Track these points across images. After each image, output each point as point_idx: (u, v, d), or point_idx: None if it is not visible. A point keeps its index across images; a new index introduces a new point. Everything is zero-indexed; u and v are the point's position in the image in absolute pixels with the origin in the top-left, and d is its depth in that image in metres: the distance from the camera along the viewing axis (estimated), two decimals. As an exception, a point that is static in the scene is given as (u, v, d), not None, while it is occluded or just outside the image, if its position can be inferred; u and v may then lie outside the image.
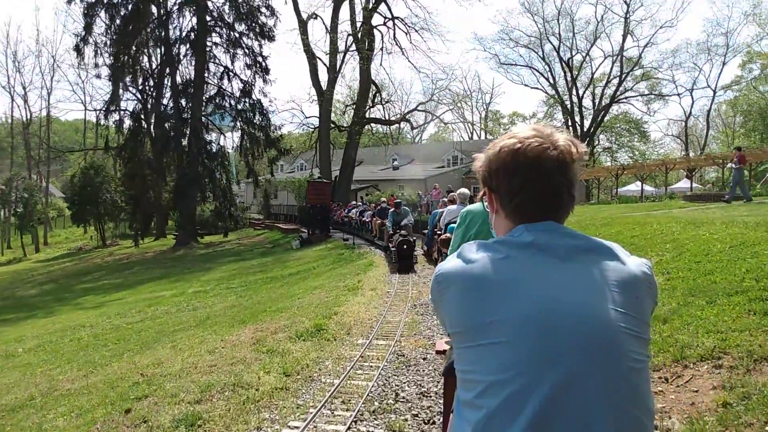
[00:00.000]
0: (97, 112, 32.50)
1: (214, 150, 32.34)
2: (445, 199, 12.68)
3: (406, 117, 45.67)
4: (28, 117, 51.93)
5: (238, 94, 31.71)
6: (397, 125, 64.81)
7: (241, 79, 32.03)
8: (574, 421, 1.10)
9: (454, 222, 4.55)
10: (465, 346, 1.23)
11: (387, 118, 45.86)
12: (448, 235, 7.73)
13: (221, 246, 30.62)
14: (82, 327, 12.18)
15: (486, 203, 1.45)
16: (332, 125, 41.02)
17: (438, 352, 2.45)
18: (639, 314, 1.21)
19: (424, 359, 5.31)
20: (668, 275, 7.00)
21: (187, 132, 30.62)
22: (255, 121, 32.04)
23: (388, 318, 7.12)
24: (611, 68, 52.42)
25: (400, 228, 13.92)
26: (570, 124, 54.50)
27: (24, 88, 59.52)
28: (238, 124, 31.60)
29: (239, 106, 31.84)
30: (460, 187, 9.21)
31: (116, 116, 31.81)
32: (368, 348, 5.70)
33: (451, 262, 1.31)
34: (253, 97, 31.95)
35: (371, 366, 5.11)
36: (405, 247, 12.48)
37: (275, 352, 5.57)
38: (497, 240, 1.33)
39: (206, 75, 31.37)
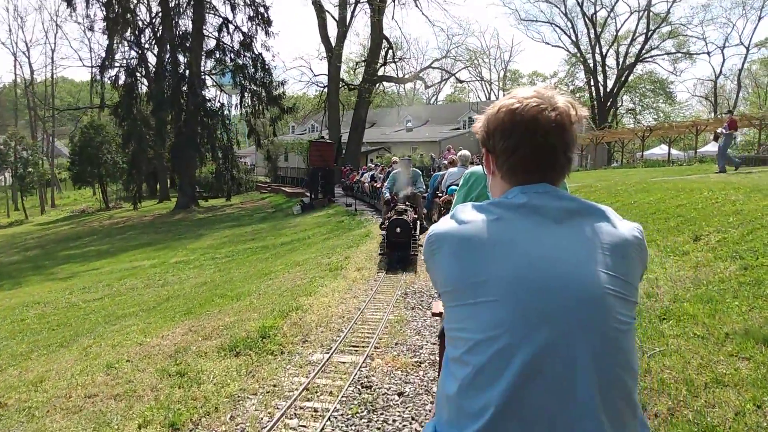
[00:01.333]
0: (92, 68, 30.46)
1: (215, 108, 30.37)
2: (446, 162, 11.94)
3: (420, 75, 43.07)
4: (31, 75, 50.16)
5: (237, 47, 29.55)
6: (411, 84, 62.48)
7: (241, 32, 29.85)
8: (558, 379, 1.12)
9: (456, 184, 4.26)
10: (454, 305, 1.26)
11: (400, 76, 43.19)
12: (448, 197, 7.23)
13: (222, 210, 29.03)
14: (37, 304, 10.65)
15: (484, 166, 1.46)
16: (342, 83, 38.92)
17: (434, 314, 2.35)
18: (627, 277, 1.22)
19: (399, 395, 3.56)
20: (742, 261, 5.15)
21: (185, 88, 28.70)
22: (257, 77, 29.95)
23: (366, 314, 5.36)
24: (637, 24, 49.35)
25: (404, 199, 9.92)
26: (592, 83, 51.85)
27: (27, 44, 57.49)
28: (238, 79, 29.45)
29: (240, 61, 29.72)
30: (476, 151, 9.16)
31: (112, 72, 29.99)
32: (323, 371, 3.96)
33: (443, 223, 1.34)
34: (255, 50, 29.79)
35: (315, 412, 3.38)
36: (399, 230, 8.32)
37: (186, 376, 3.85)
38: (491, 201, 1.34)
39: (204, 27, 29.25)
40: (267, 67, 30.05)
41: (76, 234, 26.10)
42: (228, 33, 29.86)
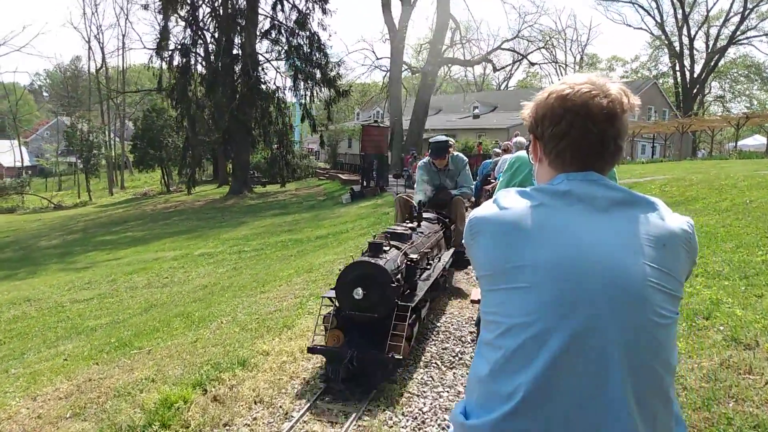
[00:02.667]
0: (149, 50, 29.80)
1: (270, 90, 29.01)
2: (498, 150, 11.51)
3: (488, 57, 40.23)
4: (103, 59, 50.82)
5: (292, 26, 28.01)
6: (480, 69, 59.39)
7: (297, 9, 28.28)
8: (589, 368, 1.12)
9: None
10: (491, 289, 1.26)
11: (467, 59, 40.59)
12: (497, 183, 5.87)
13: (274, 196, 27.78)
14: (26, 302, 9.40)
15: (531, 152, 1.43)
16: (405, 67, 36.86)
17: (473, 301, 2.38)
18: (671, 270, 1.20)
19: None
20: None
21: (239, 70, 27.51)
22: (312, 57, 28.34)
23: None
24: (731, 3, 44.30)
25: (436, 204, 6.01)
26: (678, 68, 47.50)
27: (98, 29, 58.66)
28: (292, 59, 27.91)
29: (294, 41, 28.20)
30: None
31: (167, 53, 29.19)
32: None
33: (485, 208, 1.33)
34: (310, 29, 28.15)
35: None
36: (360, 295, 3.40)
37: None
38: (535, 187, 1.31)
39: (258, 5, 27.91)
40: (322, 46, 28.39)
41: (124, 218, 25.51)
42: (282, 10, 28.43)
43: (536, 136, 1.36)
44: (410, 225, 4.80)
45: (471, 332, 4.19)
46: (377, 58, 40.14)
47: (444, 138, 6.43)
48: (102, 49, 52.87)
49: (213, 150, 35.00)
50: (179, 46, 28.67)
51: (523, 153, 3.25)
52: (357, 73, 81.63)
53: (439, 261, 4.66)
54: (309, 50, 28.51)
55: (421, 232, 4.73)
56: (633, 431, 1.11)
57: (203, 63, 29.23)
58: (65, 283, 11.06)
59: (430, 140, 6.64)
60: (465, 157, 6.62)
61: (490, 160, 11.84)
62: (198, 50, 28.99)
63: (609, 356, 1.11)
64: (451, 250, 5.30)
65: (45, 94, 77.17)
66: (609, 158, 1.29)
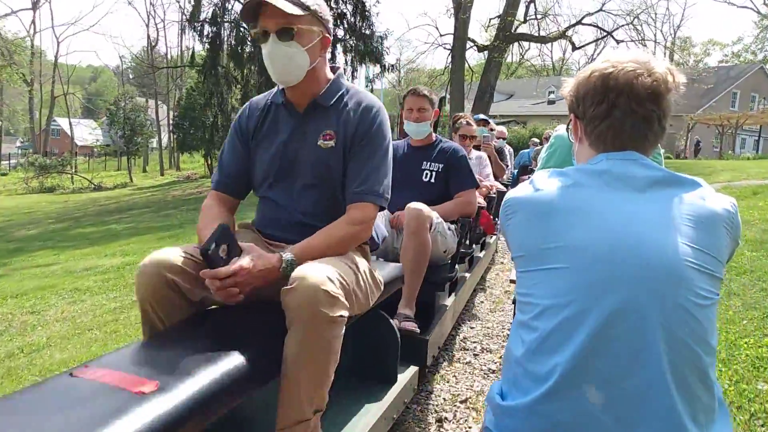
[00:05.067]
0: (180, 23, 26.90)
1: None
2: (536, 140, 12.11)
3: (566, 33, 35.05)
4: (157, 37, 49.27)
5: (332, -12, 24.28)
6: (560, 53, 53.55)
7: (338, -30, 24.51)
8: (626, 348, 1.11)
9: None
10: (526, 270, 1.26)
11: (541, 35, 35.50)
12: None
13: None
14: None
15: (571, 132, 1.43)
16: (470, 43, 32.40)
17: (512, 281, 2.30)
18: (712, 251, 1.17)
19: None
20: None
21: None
22: (357, 27, 24.55)
23: None
24: None
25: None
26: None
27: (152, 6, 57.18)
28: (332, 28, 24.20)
29: (337, 9, 24.46)
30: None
31: (198, 24, 26.22)
32: None
33: (520, 189, 1.34)
34: (355, -7, 24.32)
35: None
36: None
37: None
38: (572, 168, 1.31)
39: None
40: (368, 14, 24.50)
41: (132, 205, 22.85)
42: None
43: (577, 116, 1.38)
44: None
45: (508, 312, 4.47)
46: (440, 35, 36.22)
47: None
48: (157, 28, 51.22)
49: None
50: (209, 16, 25.62)
51: (560, 132, 3.22)
52: (417, 52, 77.07)
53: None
54: (353, 19, 24.75)
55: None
56: (672, 411, 1.09)
57: (233, 33, 26.05)
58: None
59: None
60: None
61: (528, 150, 11.44)
62: (228, 18, 25.84)
63: (647, 336, 1.10)
64: None
65: (131, 76, 78.07)
66: (653, 139, 1.29)
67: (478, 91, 30.37)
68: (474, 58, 35.84)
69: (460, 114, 6.09)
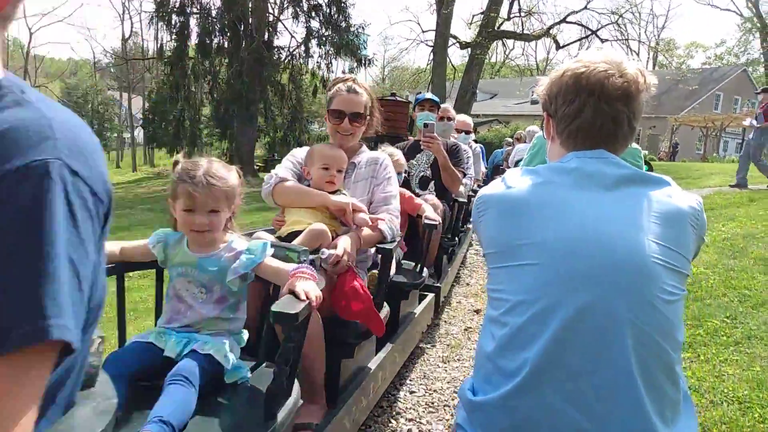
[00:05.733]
0: (150, 13, 25.46)
1: (279, 58, 24.19)
2: (509, 139, 12.17)
3: (550, 32, 34.29)
4: (131, 30, 47.59)
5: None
6: (544, 52, 52.79)
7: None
8: (594, 343, 1.12)
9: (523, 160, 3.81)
10: (497, 267, 1.28)
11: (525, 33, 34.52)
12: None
13: (278, 185, 23.24)
14: None
15: (544, 130, 1.45)
16: (453, 40, 31.41)
17: None
18: (678, 248, 1.19)
19: None
20: None
21: (241, 29, 22.83)
22: (332, 18, 23.33)
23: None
24: None
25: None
26: (772, 54, 40.78)
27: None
28: (303, 18, 22.98)
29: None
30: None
31: (166, 13, 24.85)
32: None
33: (492, 186, 1.37)
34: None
35: None
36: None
37: None
38: (543, 166, 1.33)
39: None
40: (344, 5, 23.31)
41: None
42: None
43: (549, 114, 1.40)
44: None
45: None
46: (423, 31, 35.37)
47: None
48: (131, 18, 49.53)
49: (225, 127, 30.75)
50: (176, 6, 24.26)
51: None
52: (399, 48, 75.95)
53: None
54: (329, 10, 23.56)
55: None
56: (639, 405, 1.11)
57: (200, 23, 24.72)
58: None
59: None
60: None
61: (502, 150, 11.60)
62: (197, 8, 24.50)
63: (615, 332, 1.11)
64: None
65: (112, 69, 76.24)
66: (622, 139, 1.32)
67: (460, 89, 29.48)
68: (458, 57, 35.03)
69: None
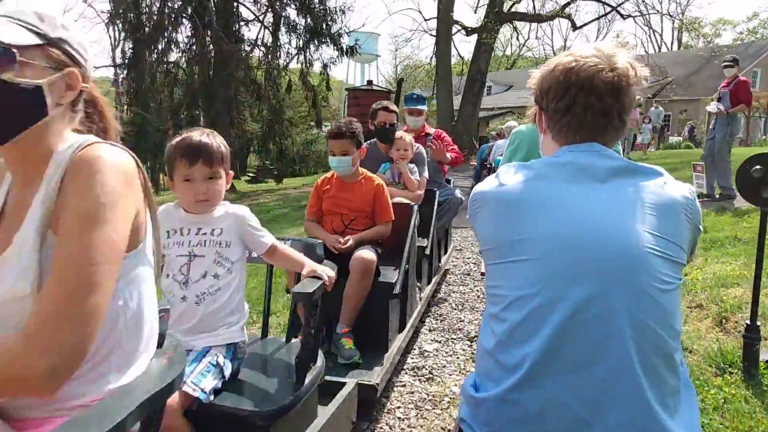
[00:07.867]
0: (106, 12, 22.53)
1: (246, 53, 20.84)
2: (494, 133, 12.06)
3: (564, 11, 30.38)
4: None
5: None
6: (560, 37, 48.84)
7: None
8: (593, 335, 1.12)
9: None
10: (495, 263, 1.27)
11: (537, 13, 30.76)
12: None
13: (255, 197, 19.83)
14: None
15: (537, 123, 1.44)
16: (457, 27, 27.91)
17: (483, 274, 2.13)
18: (673, 237, 1.19)
19: None
20: None
21: (204, 21, 19.62)
22: (307, 2, 19.89)
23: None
24: None
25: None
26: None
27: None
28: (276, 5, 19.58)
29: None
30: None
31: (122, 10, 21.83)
32: None
33: (486, 183, 1.35)
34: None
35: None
36: None
37: None
38: (537, 160, 1.32)
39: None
40: (317, -14, 19.86)
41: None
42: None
43: (541, 108, 1.38)
44: None
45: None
46: (425, 20, 32.22)
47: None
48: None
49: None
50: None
51: (521, 127, 3.28)
52: (402, 39, 71.37)
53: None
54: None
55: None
56: (640, 394, 1.11)
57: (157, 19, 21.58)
58: None
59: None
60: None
61: (486, 144, 11.85)
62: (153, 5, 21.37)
63: (613, 323, 1.12)
64: None
65: None
66: (613, 132, 1.31)
67: (468, 79, 26.03)
68: (467, 49, 31.69)
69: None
